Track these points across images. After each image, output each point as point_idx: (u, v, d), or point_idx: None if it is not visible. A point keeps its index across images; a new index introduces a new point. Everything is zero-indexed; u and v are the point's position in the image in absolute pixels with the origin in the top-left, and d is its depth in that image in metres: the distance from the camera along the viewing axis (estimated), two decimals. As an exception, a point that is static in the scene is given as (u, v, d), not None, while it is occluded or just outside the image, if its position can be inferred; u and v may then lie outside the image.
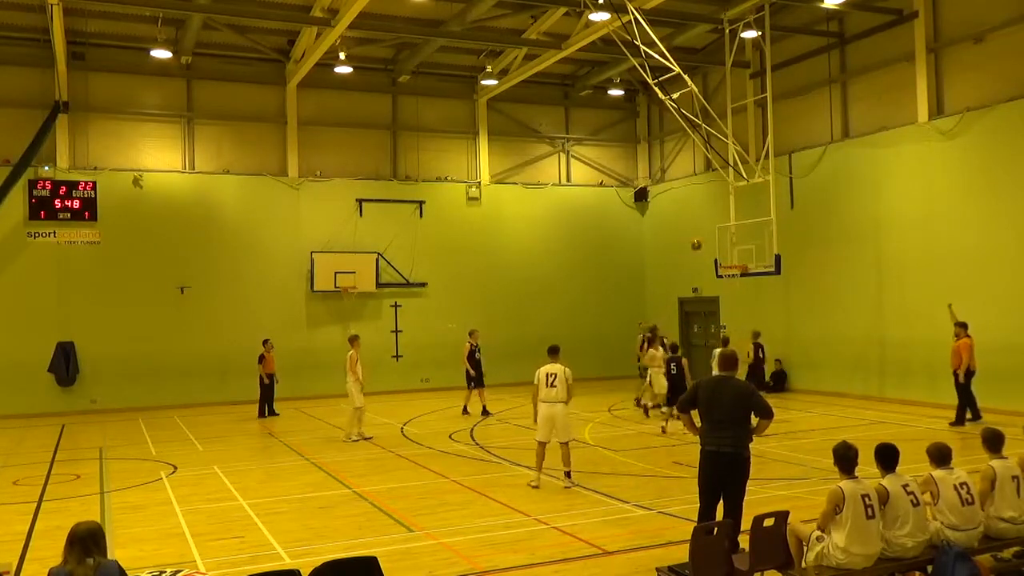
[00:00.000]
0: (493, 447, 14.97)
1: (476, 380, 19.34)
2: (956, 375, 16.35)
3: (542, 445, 11.59)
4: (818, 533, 6.59)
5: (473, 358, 19.45)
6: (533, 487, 11.51)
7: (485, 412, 19.17)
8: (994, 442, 7.45)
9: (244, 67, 23.97)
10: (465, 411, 19.38)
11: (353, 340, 17.03)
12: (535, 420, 11.70)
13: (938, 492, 6.85)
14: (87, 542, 5.08)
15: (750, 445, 7.70)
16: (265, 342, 20.71)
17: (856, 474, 6.66)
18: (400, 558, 8.28)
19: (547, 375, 11.58)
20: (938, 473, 7.02)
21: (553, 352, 12.00)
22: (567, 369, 11.55)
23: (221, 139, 23.74)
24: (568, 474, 11.64)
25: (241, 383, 22.97)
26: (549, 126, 27.66)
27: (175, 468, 13.71)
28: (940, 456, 7.14)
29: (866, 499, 6.44)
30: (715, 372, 8.72)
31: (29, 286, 21.41)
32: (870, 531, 6.44)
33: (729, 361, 7.99)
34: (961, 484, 6.93)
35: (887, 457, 6.88)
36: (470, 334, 19.97)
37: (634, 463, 13.25)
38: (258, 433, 17.53)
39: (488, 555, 8.43)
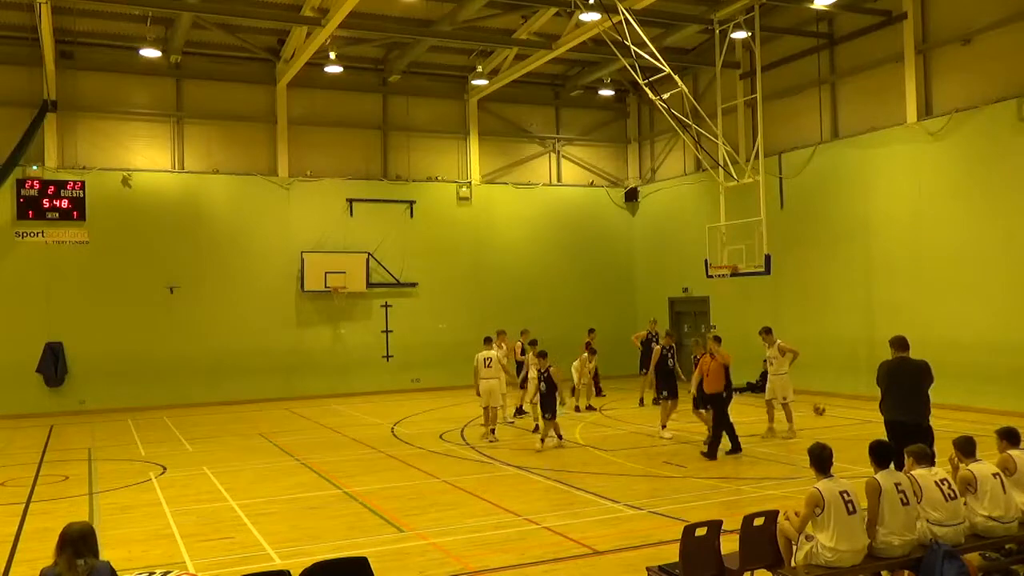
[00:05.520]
0: (483, 447, 14.97)
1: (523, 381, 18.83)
2: (723, 397, 13.67)
3: (486, 409, 15.88)
4: (807, 533, 6.61)
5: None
6: (491, 441, 15.35)
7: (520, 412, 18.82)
8: (967, 447, 7.61)
9: (234, 66, 23.88)
10: (576, 410, 19.14)
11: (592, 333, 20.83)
12: (478, 392, 16.02)
13: (920, 490, 6.90)
14: (78, 544, 5.05)
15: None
16: (591, 331, 21.51)
17: (832, 473, 6.71)
18: (391, 558, 8.27)
19: (484, 359, 16.02)
20: (919, 472, 7.10)
21: (488, 341, 16.56)
22: (499, 355, 16.26)
23: (211, 139, 23.65)
24: (493, 431, 15.74)
25: (231, 383, 22.97)
26: (540, 126, 27.67)
27: (164, 469, 13.65)
28: (920, 456, 7.27)
29: (844, 495, 6.49)
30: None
31: (17, 286, 21.27)
32: (854, 527, 6.48)
33: (902, 343, 9.83)
34: (942, 480, 7.03)
35: (881, 454, 6.96)
36: (522, 334, 19.68)
37: (624, 463, 13.27)
38: (248, 434, 17.47)
39: (479, 555, 8.43)
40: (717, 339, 14.19)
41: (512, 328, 20.59)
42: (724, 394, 13.66)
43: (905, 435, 9.02)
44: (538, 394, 15.04)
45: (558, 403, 14.76)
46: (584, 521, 9.66)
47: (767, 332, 15.63)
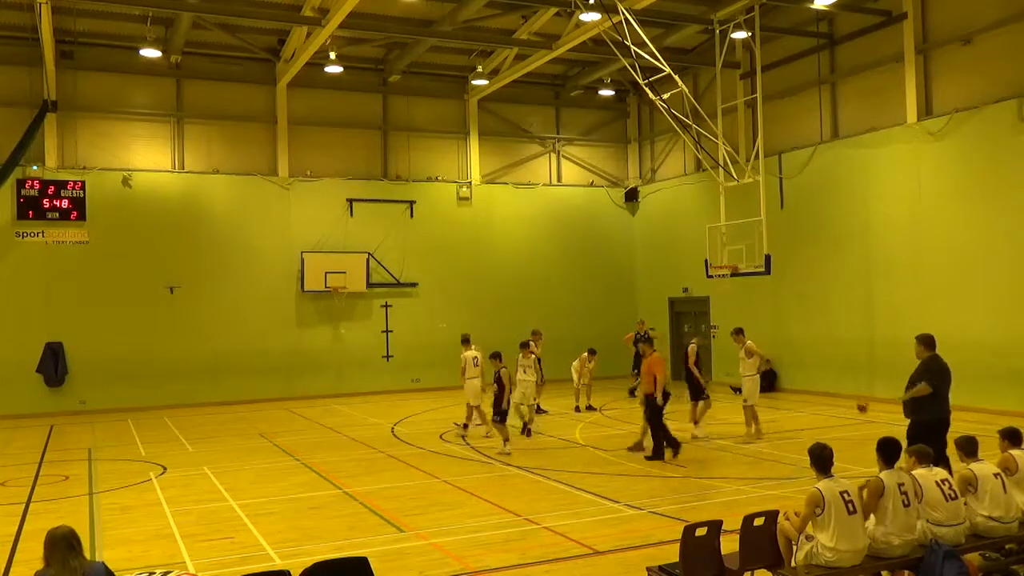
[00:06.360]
0: (483, 447, 14.96)
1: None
2: (652, 399, 13.69)
3: (478, 408, 16.20)
4: (807, 533, 6.61)
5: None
6: (488, 436, 15.49)
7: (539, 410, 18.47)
8: (969, 447, 7.62)
9: (234, 66, 23.88)
10: (576, 410, 19.53)
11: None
12: (466, 387, 16.16)
13: (921, 490, 6.90)
14: (68, 545, 4.96)
15: None
16: (641, 322, 22.57)
17: (832, 473, 6.71)
18: (391, 558, 8.27)
19: (473, 359, 16.17)
20: (919, 471, 7.11)
21: (466, 341, 16.70)
22: (479, 355, 16.32)
23: (211, 139, 23.64)
24: (465, 425, 16.44)
25: (231, 383, 22.97)
26: (540, 126, 27.66)
27: (164, 469, 13.66)
28: (922, 456, 7.27)
29: (845, 495, 6.49)
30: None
31: (17, 286, 21.27)
32: (855, 526, 6.49)
33: (932, 341, 10.24)
34: (943, 480, 7.04)
35: (889, 452, 6.94)
36: (532, 334, 19.35)
37: (625, 463, 13.27)
38: (248, 434, 17.47)
39: (479, 555, 8.43)
40: (647, 340, 14.92)
41: (518, 329, 20.65)
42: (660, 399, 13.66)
43: (941, 433, 9.54)
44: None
45: (504, 405, 14.47)
46: (584, 521, 9.66)
47: (738, 332, 15.74)
